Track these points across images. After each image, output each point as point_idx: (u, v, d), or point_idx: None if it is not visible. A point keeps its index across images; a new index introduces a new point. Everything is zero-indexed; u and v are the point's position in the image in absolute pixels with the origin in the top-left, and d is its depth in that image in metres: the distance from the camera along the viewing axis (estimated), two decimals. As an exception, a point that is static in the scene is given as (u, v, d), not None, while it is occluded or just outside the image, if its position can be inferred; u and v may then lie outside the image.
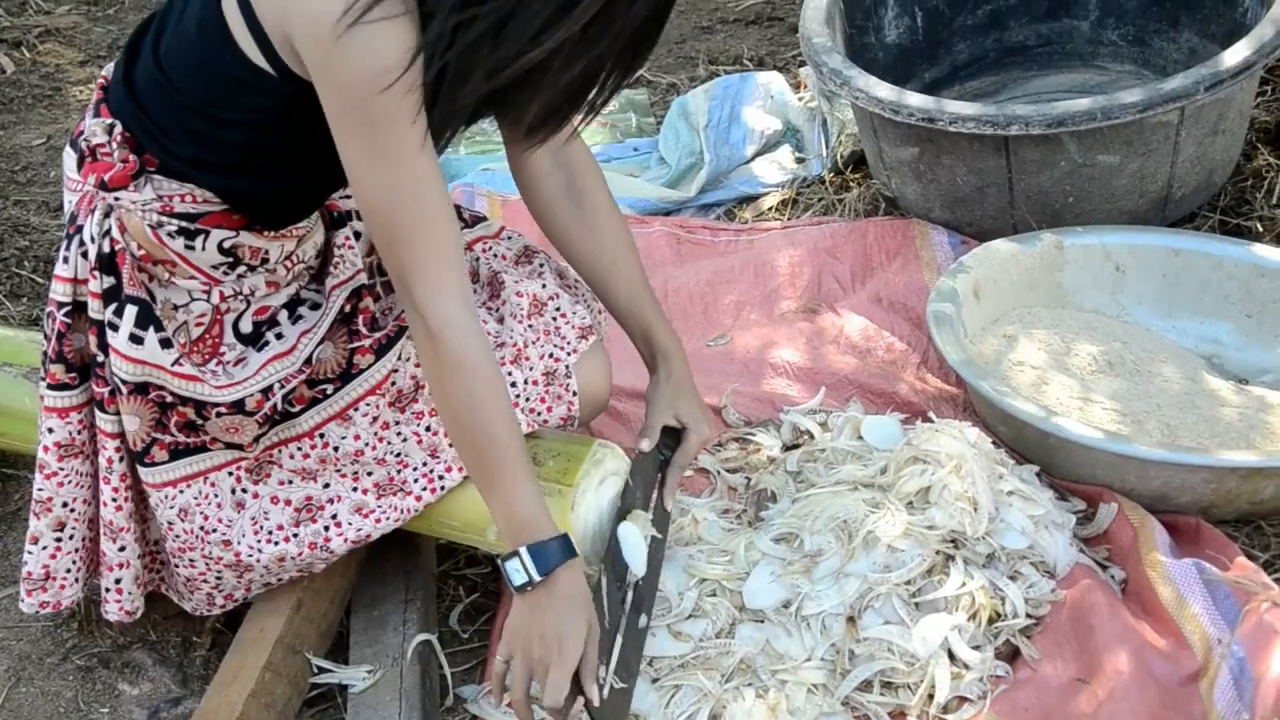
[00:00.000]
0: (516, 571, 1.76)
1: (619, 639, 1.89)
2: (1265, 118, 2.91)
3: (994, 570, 1.98)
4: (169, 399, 1.87)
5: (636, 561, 1.96)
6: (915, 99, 2.64)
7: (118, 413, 1.89)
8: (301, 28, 1.63)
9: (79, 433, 1.94)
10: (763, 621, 1.96)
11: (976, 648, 1.90)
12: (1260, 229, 2.72)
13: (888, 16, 3.12)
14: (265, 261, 1.90)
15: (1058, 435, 2.12)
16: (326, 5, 1.59)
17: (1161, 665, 1.86)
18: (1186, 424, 2.20)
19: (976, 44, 3.21)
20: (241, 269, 1.89)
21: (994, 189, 2.68)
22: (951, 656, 1.89)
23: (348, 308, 1.94)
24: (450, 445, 1.94)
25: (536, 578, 1.75)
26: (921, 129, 2.65)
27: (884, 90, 2.66)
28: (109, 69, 1.91)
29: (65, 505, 1.97)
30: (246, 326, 1.93)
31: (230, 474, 1.95)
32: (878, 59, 3.07)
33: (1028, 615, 1.95)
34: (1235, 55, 2.50)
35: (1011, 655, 1.93)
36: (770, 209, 3.06)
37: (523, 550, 1.76)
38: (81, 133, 1.88)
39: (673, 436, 2.10)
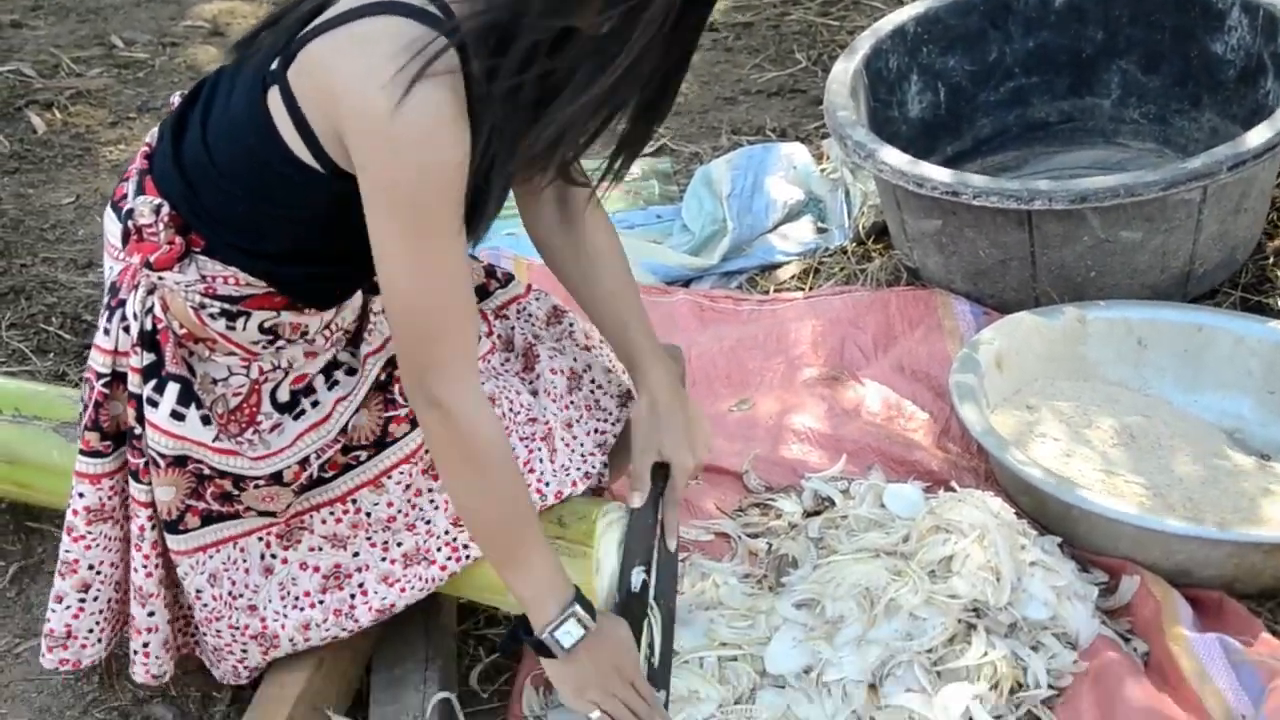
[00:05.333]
0: (569, 633, 1.79)
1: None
2: (1287, 196, 2.94)
3: (1016, 640, 1.98)
4: (207, 471, 1.87)
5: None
6: (939, 173, 2.66)
7: (150, 483, 1.88)
8: (353, 123, 1.60)
9: (110, 498, 1.93)
10: (783, 687, 1.95)
11: (998, 718, 1.89)
12: (1281, 306, 2.74)
13: (911, 91, 3.15)
14: (305, 334, 1.89)
15: (1081, 508, 2.12)
16: (377, 97, 1.55)
17: (1185, 740, 1.86)
18: (1209, 499, 2.20)
19: (999, 119, 3.25)
20: (281, 343, 1.88)
21: (1016, 263, 2.70)
22: (973, 726, 1.89)
23: (383, 376, 1.94)
24: None
25: (593, 626, 1.80)
26: (945, 202, 2.67)
27: (908, 164, 2.69)
28: (152, 135, 1.89)
29: (91, 568, 1.95)
30: (284, 395, 1.92)
31: (260, 539, 1.95)
32: (901, 132, 3.10)
33: (1049, 686, 1.95)
34: (1258, 136, 2.53)
35: (1033, 727, 1.93)
36: (792, 278, 3.08)
37: (576, 609, 1.80)
38: (124, 197, 1.86)
39: (664, 470, 2.05)
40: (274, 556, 1.96)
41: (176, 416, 1.83)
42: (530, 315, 2.15)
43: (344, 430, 1.93)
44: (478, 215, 1.70)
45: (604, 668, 1.82)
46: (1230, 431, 2.46)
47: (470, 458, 1.74)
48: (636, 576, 1.97)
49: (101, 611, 1.99)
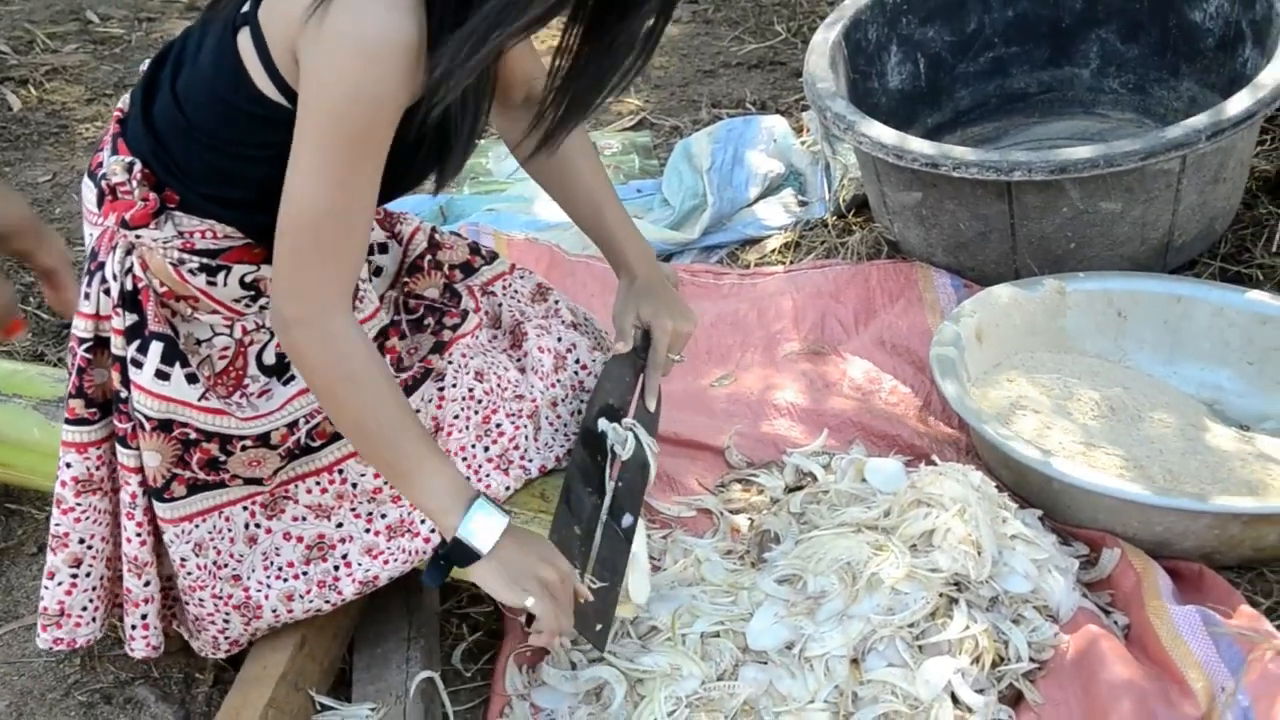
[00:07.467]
0: (487, 528, 1.76)
1: (596, 540, 1.92)
2: (1265, 166, 2.94)
3: (997, 614, 1.98)
4: (193, 435, 1.87)
5: (624, 447, 2.00)
6: (919, 144, 2.66)
7: (139, 448, 1.88)
8: (308, 27, 1.58)
9: (97, 469, 1.93)
10: (766, 663, 1.96)
11: (980, 691, 1.90)
12: (1261, 277, 2.74)
13: (891, 63, 3.14)
14: None
15: (1061, 480, 2.13)
16: None
17: (1165, 712, 1.86)
18: (1189, 470, 2.21)
19: (978, 90, 3.24)
20: (263, 300, 1.89)
21: (996, 234, 2.70)
22: (955, 700, 1.88)
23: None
24: None
25: (501, 517, 1.78)
26: (925, 174, 2.66)
27: (888, 135, 2.69)
28: (124, 100, 1.90)
29: (82, 542, 1.95)
30: (270, 358, 1.93)
31: (245, 509, 1.95)
32: (880, 104, 3.10)
33: (1031, 659, 1.95)
34: (1236, 105, 2.53)
35: (1015, 699, 1.93)
36: (773, 251, 3.07)
37: (482, 501, 1.77)
38: (100, 165, 1.87)
39: (647, 339, 2.10)
40: (258, 526, 1.95)
41: (161, 376, 1.83)
42: (516, 292, 2.16)
43: None
44: (449, 149, 1.72)
45: (530, 559, 1.80)
46: (1209, 403, 2.47)
47: (350, 375, 1.73)
48: (601, 422, 2.00)
49: (95, 588, 1.99)
